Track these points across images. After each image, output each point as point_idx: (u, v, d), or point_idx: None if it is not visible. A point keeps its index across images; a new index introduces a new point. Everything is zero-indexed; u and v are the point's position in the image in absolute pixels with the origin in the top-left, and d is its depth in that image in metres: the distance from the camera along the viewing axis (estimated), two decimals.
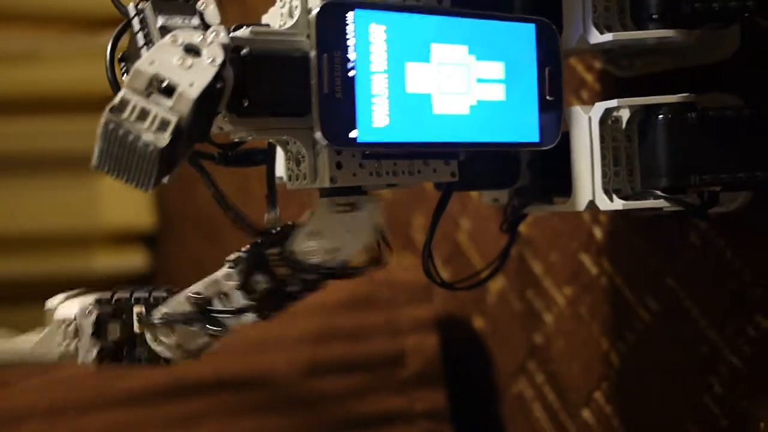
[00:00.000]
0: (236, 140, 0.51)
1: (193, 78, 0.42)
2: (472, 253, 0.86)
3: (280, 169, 0.54)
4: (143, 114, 0.41)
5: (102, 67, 0.47)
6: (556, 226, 0.76)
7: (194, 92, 0.41)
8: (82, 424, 0.77)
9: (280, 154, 0.54)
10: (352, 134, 0.48)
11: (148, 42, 0.44)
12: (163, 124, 0.41)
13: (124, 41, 0.47)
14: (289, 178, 0.52)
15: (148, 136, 0.40)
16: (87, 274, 1.76)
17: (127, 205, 1.74)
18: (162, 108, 0.41)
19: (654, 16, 0.52)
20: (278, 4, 0.52)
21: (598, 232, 0.71)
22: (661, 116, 0.50)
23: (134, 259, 1.82)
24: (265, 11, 0.53)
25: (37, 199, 1.72)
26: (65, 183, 1.69)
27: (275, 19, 0.53)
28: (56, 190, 1.70)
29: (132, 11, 0.46)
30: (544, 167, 0.57)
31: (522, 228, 0.75)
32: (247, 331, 0.84)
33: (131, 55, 0.46)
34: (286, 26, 0.50)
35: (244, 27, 0.48)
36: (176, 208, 1.68)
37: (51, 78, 1.70)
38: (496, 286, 0.83)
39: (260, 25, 0.53)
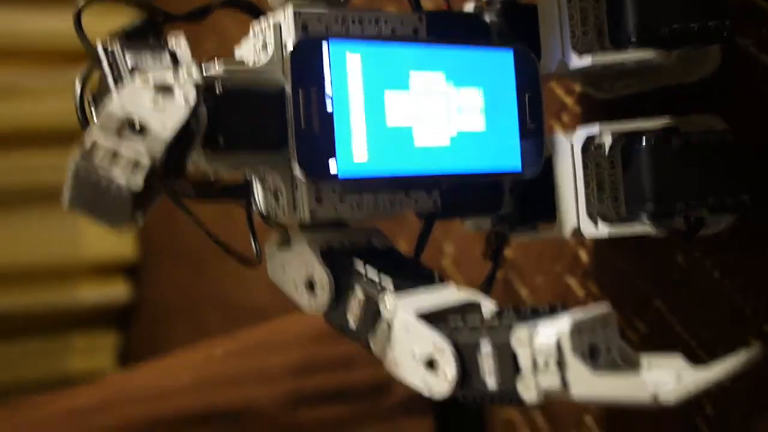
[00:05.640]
0: (212, 177, 0.50)
1: (166, 119, 0.41)
2: (457, 278, 0.85)
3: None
4: (115, 156, 0.40)
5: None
6: (540, 248, 0.75)
7: (167, 133, 0.40)
8: None
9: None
10: (332, 169, 0.47)
11: (119, 83, 0.43)
12: (136, 166, 0.40)
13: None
14: (267, 212, 0.51)
15: (120, 179, 0.39)
16: (71, 307, 1.74)
17: (109, 236, 1.73)
18: (134, 150, 0.40)
19: (632, 39, 0.51)
20: (251, 38, 0.51)
21: (583, 254, 0.70)
22: (644, 143, 0.49)
23: (118, 290, 1.80)
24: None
25: (18, 233, 1.70)
26: (46, 216, 1.67)
27: (249, 52, 0.52)
28: (37, 224, 1.68)
29: (101, 52, 0.45)
30: (527, 193, 0.56)
31: (506, 250, 0.74)
32: (228, 365, 0.83)
33: (102, 96, 0.45)
34: (261, 61, 0.49)
35: (217, 63, 0.47)
36: (159, 238, 1.67)
37: (31, 112, 1.69)
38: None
39: (233, 60, 0.52)
